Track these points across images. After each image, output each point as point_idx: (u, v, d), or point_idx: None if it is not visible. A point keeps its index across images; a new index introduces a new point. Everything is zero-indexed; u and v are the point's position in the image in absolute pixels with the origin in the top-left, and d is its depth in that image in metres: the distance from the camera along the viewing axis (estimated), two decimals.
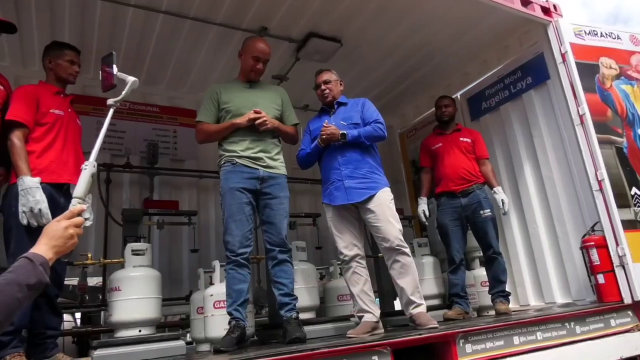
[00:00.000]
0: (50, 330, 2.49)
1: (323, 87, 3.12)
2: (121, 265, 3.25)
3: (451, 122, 4.02)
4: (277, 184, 2.81)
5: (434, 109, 4.35)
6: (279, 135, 2.97)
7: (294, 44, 4.10)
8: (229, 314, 2.61)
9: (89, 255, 3.25)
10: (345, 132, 2.89)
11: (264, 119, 2.77)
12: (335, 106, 3.14)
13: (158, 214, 4.06)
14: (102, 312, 4.29)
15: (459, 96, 4.88)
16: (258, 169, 2.76)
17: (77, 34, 3.72)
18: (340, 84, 3.22)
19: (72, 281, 4.17)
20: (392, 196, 2.93)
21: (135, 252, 3.00)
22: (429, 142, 4.05)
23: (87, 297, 4.11)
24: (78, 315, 5.38)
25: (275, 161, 2.86)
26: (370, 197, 2.86)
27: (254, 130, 2.80)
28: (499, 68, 4.48)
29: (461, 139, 3.89)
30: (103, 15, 3.57)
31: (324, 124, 2.94)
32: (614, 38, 3.95)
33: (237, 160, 2.75)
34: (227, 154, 2.79)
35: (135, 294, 2.74)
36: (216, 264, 3.18)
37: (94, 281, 4.45)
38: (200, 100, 4.72)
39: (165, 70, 4.43)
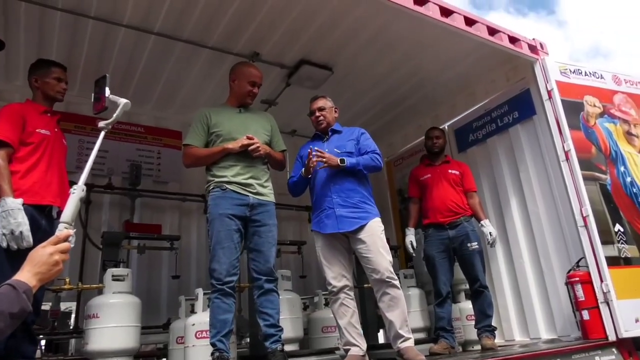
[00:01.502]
0: (25, 359, 2.42)
1: (318, 113, 3.17)
2: (98, 291, 3.19)
3: (441, 153, 4.10)
4: (266, 212, 2.82)
5: (422, 138, 4.43)
6: (268, 162, 3.01)
7: (285, 69, 4.18)
8: (213, 345, 2.56)
9: (67, 280, 3.18)
10: (343, 158, 2.93)
11: (257, 145, 2.80)
12: (330, 133, 3.18)
13: (139, 238, 4.02)
14: (71, 340, 4.17)
15: (446, 127, 4.98)
16: (248, 195, 2.77)
17: (65, 50, 3.72)
18: (335, 111, 3.28)
19: (44, 306, 4.05)
20: (383, 227, 2.95)
21: (116, 278, 2.96)
22: (418, 172, 4.11)
23: (56, 324, 4.00)
24: (42, 342, 5.21)
25: (265, 188, 2.87)
26: (362, 227, 2.88)
27: (245, 156, 2.81)
28: (486, 101, 4.62)
29: (450, 171, 3.96)
30: (94, 34, 3.59)
31: (316, 150, 2.95)
32: (598, 77, 4.13)
33: (227, 186, 2.75)
34: (217, 179, 2.79)
35: (115, 322, 2.69)
36: (199, 292, 3.14)
37: (63, 306, 4.34)
38: (186, 122, 4.83)
39: (153, 91, 4.45)
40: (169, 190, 4.77)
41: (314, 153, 2.91)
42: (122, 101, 1.79)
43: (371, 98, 4.80)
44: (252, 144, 2.79)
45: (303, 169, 3.02)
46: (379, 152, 3.07)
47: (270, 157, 2.97)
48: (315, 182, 3.05)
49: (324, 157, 2.90)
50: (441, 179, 3.93)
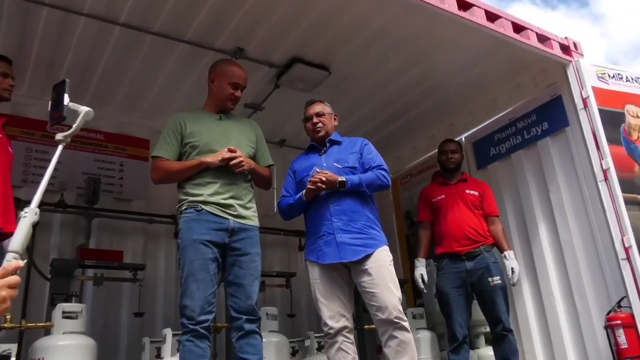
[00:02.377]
0: None
1: (315, 119, 3.19)
2: (45, 331, 3.15)
3: (457, 170, 4.13)
4: (248, 238, 2.82)
5: (434, 152, 4.46)
6: (252, 179, 3.01)
7: (274, 69, 4.21)
8: None
9: (8, 317, 3.14)
10: (344, 179, 2.94)
11: (240, 159, 2.81)
12: (328, 144, 3.20)
13: (96, 267, 3.99)
14: None
15: (463, 139, 5.02)
16: (228, 218, 2.76)
17: (13, 42, 3.72)
18: (335, 119, 3.31)
19: None
20: (391, 257, 2.96)
21: (67, 315, 2.93)
22: (430, 192, 4.13)
23: None
24: None
25: (247, 210, 2.87)
26: (367, 257, 2.88)
27: (225, 171, 2.81)
28: (510, 109, 4.67)
29: (467, 191, 3.98)
30: (48, 24, 3.59)
31: (316, 170, 2.97)
32: None
33: (203, 206, 2.75)
34: (191, 198, 2.79)
35: None
36: (168, 332, 3.11)
37: (1, 349, 4.27)
38: (156, 129, 4.83)
39: (117, 91, 4.45)
40: (133, 210, 4.74)
41: (314, 175, 2.95)
42: (84, 110, 1.80)
43: (374, 104, 4.83)
44: (234, 157, 2.80)
45: (304, 191, 3.02)
46: (386, 167, 3.10)
47: (254, 174, 2.97)
48: (312, 202, 3.05)
49: (322, 179, 2.92)
50: (457, 200, 3.95)
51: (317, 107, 3.25)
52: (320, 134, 3.19)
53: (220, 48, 3.89)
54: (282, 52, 4.05)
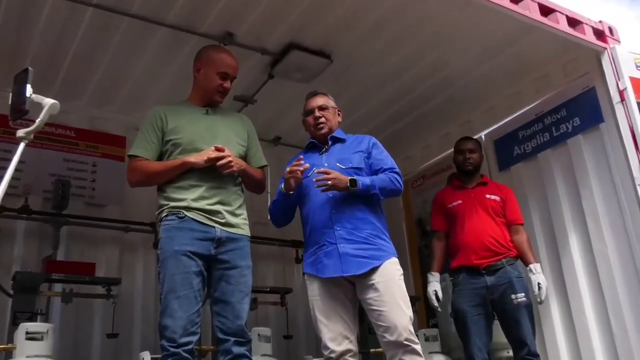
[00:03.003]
0: None
1: (318, 113, 3.19)
2: (6, 354, 3.14)
3: (475, 172, 4.13)
4: (237, 249, 2.81)
5: (450, 151, 4.46)
6: (243, 182, 3.01)
7: (267, 56, 4.22)
8: None
9: None
10: (355, 178, 2.92)
11: (229, 159, 2.80)
12: (330, 142, 3.20)
13: (65, 281, 3.96)
14: None
15: (482, 137, 5.02)
16: (214, 226, 2.76)
17: None
18: (339, 114, 3.31)
19: None
20: (401, 270, 2.95)
21: (31, 336, 2.93)
22: (445, 197, 4.12)
23: None
24: None
25: (237, 217, 2.86)
26: (374, 270, 2.87)
27: (212, 173, 2.80)
28: (536, 103, 4.66)
29: (488, 196, 3.98)
30: (10, 4, 3.58)
31: (322, 170, 2.93)
32: None
33: (186, 213, 2.74)
34: (173, 203, 2.78)
35: None
36: (146, 356, 3.11)
37: None
38: (132, 124, 4.81)
39: (89, 81, 4.45)
40: (107, 217, 4.73)
41: (312, 170, 2.95)
42: (48, 102, 1.80)
43: (382, 97, 4.84)
44: (222, 157, 2.79)
45: (282, 185, 3.02)
46: (398, 170, 3.09)
47: (245, 176, 2.97)
48: (310, 207, 3.05)
49: (328, 178, 2.89)
50: (476, 206, 3.94)
51: (320, 100, 3.25)
52: (323, 131, 3.19)
53: (206, 33, 3.89)
54: (277, 38, 4.05)
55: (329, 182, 2.89)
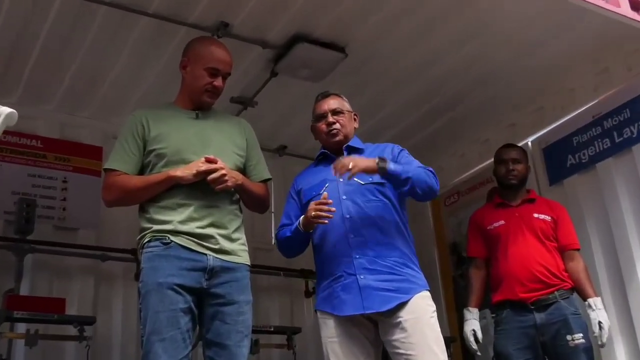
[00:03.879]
0: None
1: (331, 118, 3.17)
2: None
3: (521, 187, 4.10)
4: (234, 281, 2.79)
5: (489, 161, 4.42)
6: (241, 199, 3.00)
7: (269, 50, 4.23)
8: None
9: None
10: (384, 159, 2.89)
11: (223, 172, 2.77)
12: (345, 152, 3.18)
13: (29, 320, 3.95)
14: None
15: (529, 144, 5.01)
16: (206, 254, 2.74)
17: None
18: (355, 119, 3.30)
19: None
20: (434, 306, 2.93)
21: None
22: (484, 217, 4.10)
23: None
24: None
25: (233, 242, 2.84)
26: (400, 306, 2.85)
27: (203, 189, 2.79)
28: (594, 103, 4.64)
29: (536, 215, 3.95)
30: None
31: (340, 163, 2.87)
32: None
33: (172, 238, 2.72)
34: (157, 226, 2.76)
35: None
36: None
37: None
38: (110, 132, 4.83)
39: (58, 82, 4.48)
40: (80, 243, 4.73)
41: (325, 187, 2.96)
42: (4, 111, 1.79)
43: (407, 97, 4.83)
44: (215, 170, 2.77)
45: (301, 218, 3.00)
46: (432, 168, 3.08)
47: (244, 192, 2.96)
48: (322, 230, 3.03)
49: (347, 163, 2.85)
50: (522, 228, 3.91)
51: (333, 102, 3.23)
52: (338, 138, 3.17)
53: (196, 23, 3.91)
54: (281, 28, 4.06)
55: (351, 166, 2.83)
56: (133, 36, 4.05)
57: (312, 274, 5.18)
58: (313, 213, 2.88)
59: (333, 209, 2.88)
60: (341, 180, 2.99)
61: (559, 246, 3.90)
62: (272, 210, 5.13)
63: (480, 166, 5.41)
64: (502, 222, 3.99)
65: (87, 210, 4.82)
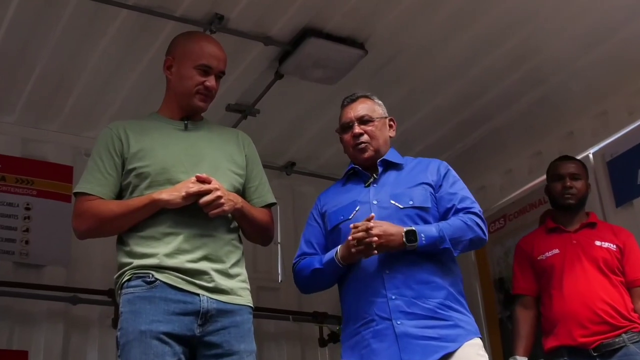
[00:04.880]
0: None
1: (357, 129, 3.16)
2: None
3: (579, 208, 4.10)
4: (234, 327, 2.77)
5: (542, 178, 4.42)
6: (241, 227, 3.00)
7: (273, 47, 4.26)
8: None
9: None
10: (413, 229, 2.88)
11: (218, 194, 2.77)
12: (380, 168, 3.18)
13: None
14: None
15: (590, 156, 4.99)
16: (198, 294, 2.71)
17: None
18: (391, 126, 3.31)
19: None
20: (486, 356, 2.94)
21: None
22: (534, 245, 4.07)
23: None
24: None
25: (232, 279, 2.82)
26: (447, 357, 2.83)
27: (194, 215, 2.79)
28: None
29: (598, 243, 3.93)
30: None
31: (364, 224, 2.85)
32: None
33: (158, 275, 2.70)
34: (138, 261, 2.75)
35: None
36: None
37: None
38: (82, 149, 4.89)
39: (18, 88, 4.50)
40: (46, 283, 4.74)
41: (358, 225, 2.86)
42: None
43: (441, 101, 4.85)
44: (209, 191, 2.76)
45: (338, 249, 2.97)
46: (480, 209, 3.06)
47: (244, 219, 2.95)
48: (351, 266, 3.02)
49: (371, 234, 2.82)
50: (580, 258, 3.90)
51: (362, 108, 3.22)
52: (366, 155, 3.16)
53: (185, 16, 3.95)
54: (288, 21, 4.09)
55: (373, 240, 2.82)
56: (109, 33, 4.08)
57: (327, 317, 5.18)
58: (355, 240, 2.84)
59: (375, 238, 2.82)
60: (375, 202, 3.01)
61: (625, 281, 3.88)
62: (279, 241, 5.15)
63: (531, 184, 5.38)
64: (556, 251, 3.97)
65: (55, 244, 4.83)
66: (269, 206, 3.10)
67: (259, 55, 4.31)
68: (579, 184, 4.07)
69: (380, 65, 4.41)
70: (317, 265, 3.06)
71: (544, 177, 4.34)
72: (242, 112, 4.69)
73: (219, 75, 3.06)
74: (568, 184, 4.05)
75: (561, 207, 4.10)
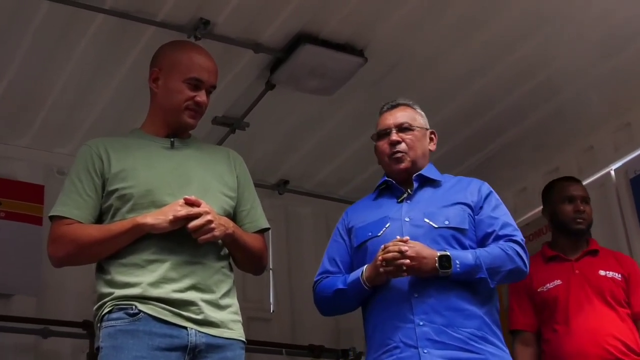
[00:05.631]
0: None
1: (395, 136, 3.20)
2: None
3: (585, 235, 4.13)
4: None
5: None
6: (231, 254, 3.01)
7: (264, 55, 4.29)
8: None
9: None
10: (448, 254, 2.89)
11: (208, 217, 2.78)
12: (415, 184, 3.21)
13: None
14: None
15: (612, 173, 5.03)
16: (186, 327, 2.72)
17: None
18: (432, 139, 3.36)
19: None
20: None
21: None
22: (532, 275, 3.89)
23: None
24: None
25: (222, 310, 2.83)
26: None
27: (182, 241, 2.80)
28: None
29: (603, 272, 3.96)
30: None
31: (396, 242, 2.88)
32: None
33: (141, 306, 2.71)
34: (120, 291, 2.75)
35: None
36: None
37: None
38: (54, 166, 4.94)
39: None
40: (14, 314, 4.73)
41: (389, 246, 2.87)
42: None
43: (448, 114, 4.86)
44: (198, 214, 2.77)
45: (364, 269, 2.99)
46: (521, 236, 3.07)
47: (235, 245, 2.96)
48: (377, 288, 3.03)
49: (405, 257, 2.84)
50: (586, 289, 3.93)
51: (402, 115, 3.27)
52: (403, 165, 3.19)
53: (168, 21, 3.98)
54: (279, 26, 4.12)
55: (405, 263, 2.84)
56: (85, 39, 4.10)
57: (324, 351, 5.17)
58: (384, 259, 2.85)
59: (407, 261, 2.83)
60: (407, 220, 3.03)
61: (632, 313, 3.91)
62: (270, 267, 5.18)
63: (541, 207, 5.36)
64: (558, 282, 3.98)
65: (25, 270, 4.83)
66: (262, 231, 3.10)
67: (249, 64, 4.34)
68: (589, 209, 4.11)
69: (381, 75, 4.44)
70: (341, 286, 3.08)
71: (555, 200, 4.27)
72: (230, 126, 4.72)
73: (209, 90, 3.07)
74: (581, 207, 4.07)
75: (570, 232, 4.10)
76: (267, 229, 3.15)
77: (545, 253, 4.15)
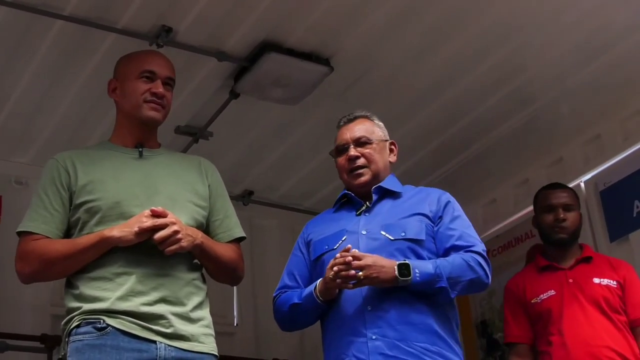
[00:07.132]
0: None
1: (353, 151, 3.26)
2: None
3: (573, 242, 4.18)
4: None
5: (530, 209, 4.58)
6: (203, 265, 3.05)
7: (228, 63, 4.34)
8: None
9: None
10: (408, 263, 2.93)
11: (175, 228, 2.81)
12: (374, 196, 3.26)
13: None
14: None
15: (582, 185, 5.12)
16: (155, 341, 2.75)
17: None
18: (391, 150, 3.40)
19: None
20: None
21: None
22: (526, 286, 4.16)
23: None
24: None
25: (193, 324, 2.87)
26: None
27: (149, 252, 2.84)
28: None
29: (597, 280, 4.01)
30: None
31: (344, 254, 2.91)
32: None
33: (109, 320, 2.74)
34: (88, 305, 2.79)
35: None
36: None
37: None
38: (12, 176, 4.96)
39: None
40: None
41: (340, 259, 2.88)
42: None
43: (417, 124, 4.94)
44: (164, 225, 2.81)
45: (317, 283, 3.03)
46: (483, 247, 3.12)
47: (205, 256, 3.00)
48: (332, 302, 3.08)
49: (359, 264, 2.86)
50: (579, 299, 3.98)
51: (359, 129, 3.33)
52: (362, 179, 3.25)
53: (129, 28, 4.02)
54: (244, 34, 4.17)
55: (361, 273, 2.86)
56: (43, 46, 4.13)
57: None
58: (332, 273, 2.89)
59: (352, 272, 2.85)
60: (364, 232, 3.08)
61: (628, 320, 3.95)
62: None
63: (517, 215, 5.49)
64: (551, 292, 4.04)
65: None
66: (237, 241, 3.15)
67: (212, 72, 4.38)
68: (572, 216, 4.16)
69: (348, 84, 4.50)
70: (296, 300, 3.11)
71: (531, 207, 4.42)
72: (193, 135, 4.76)
73: (168, 83, 3.13)
74: (561, 215, 4.12)
75: (553, 241, 4.16)
76: (243, 238, 3.19)
77: (538, 263, 4.21)
